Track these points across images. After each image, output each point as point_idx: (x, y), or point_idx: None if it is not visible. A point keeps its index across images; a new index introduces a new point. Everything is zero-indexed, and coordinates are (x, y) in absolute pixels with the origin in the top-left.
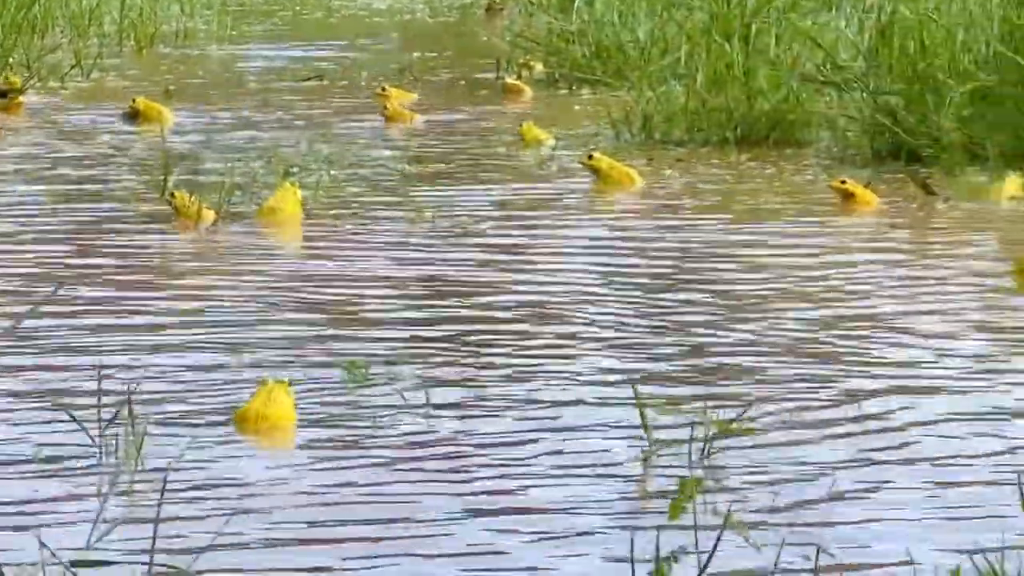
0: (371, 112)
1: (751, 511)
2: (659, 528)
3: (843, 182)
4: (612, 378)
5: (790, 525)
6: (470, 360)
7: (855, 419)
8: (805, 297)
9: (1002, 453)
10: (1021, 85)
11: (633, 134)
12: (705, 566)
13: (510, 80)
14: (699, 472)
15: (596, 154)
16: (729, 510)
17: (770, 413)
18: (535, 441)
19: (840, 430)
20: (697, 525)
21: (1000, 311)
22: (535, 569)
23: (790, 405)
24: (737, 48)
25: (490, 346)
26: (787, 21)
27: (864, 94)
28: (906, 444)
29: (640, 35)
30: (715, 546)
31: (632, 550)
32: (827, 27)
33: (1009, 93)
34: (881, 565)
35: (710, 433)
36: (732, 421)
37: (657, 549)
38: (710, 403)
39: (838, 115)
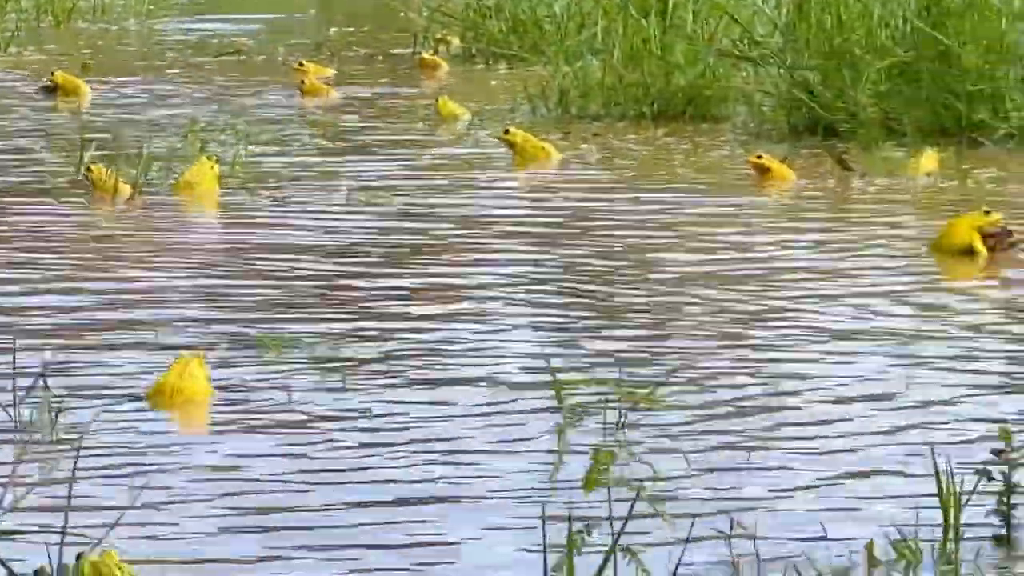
0: (288, 87)
1: (665, 483)
2: (570, 502)
3: (759, 157)
4: (526, 349)
5: (703, 498)
6: (386, 333)
7: (771, 393)
8: (722, 271)
9: (916, 428)
10: (938, 60)
11: (549, 109)
12: (617, 538)
13: (427, 55)
14: (613, 444)
15: (512, 128)
16: (642, 482)
17: (686, 386)
18: (450, 416)
19: (756, 403)
20: (611, 497)
21: (917, 286)
22: (450, 542)
23: (706, 378)
24: (654, 23)
25: (406, 319)
26: None
27: (781, 69)
28: (821, 418)
29: (557, 10)
30: (627, 518)
31: (544, 522)
32: (744, 2)
33: (926, 68)
34: (794, 539)
35: (625, 405)
36: (647, 393)
37: (570, 521)
38: (626, 375)
39: (755, 90)
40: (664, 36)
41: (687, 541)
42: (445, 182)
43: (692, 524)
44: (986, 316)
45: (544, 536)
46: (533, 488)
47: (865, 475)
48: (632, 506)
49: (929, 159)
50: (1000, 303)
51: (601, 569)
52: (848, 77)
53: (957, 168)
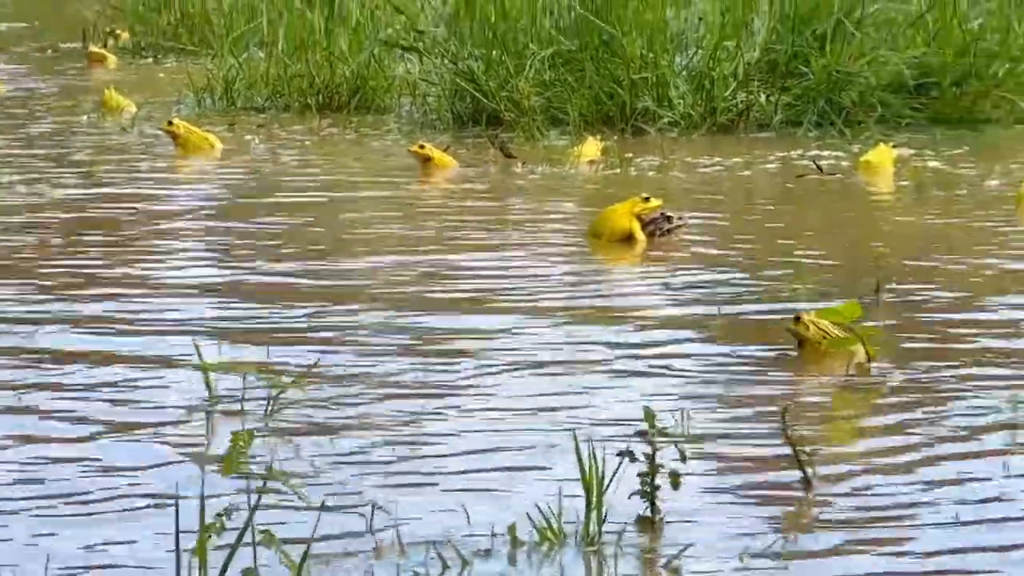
0: None
1: (309, 466)
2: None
3: (421, 146)
4: (177, 339)
5: (347, 481)
6: (47, 313)
7: (424, 380)
8: (385, 258)
9: (566, 411)
10: (601, 49)
11: (215, 101)
12: (249, 519)
13: (95, 48)
14: (257, 427)
15: (175, 120)
16: (272, 463)
17: (336, 371)
18: (94, 389)
19: (407, 390)
20: (250, 479)
21: (575, 272)
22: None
23: (355, 363)
24: (318, 13)
25: (75, 299)
26: None
27: (444, 59)
28: (472, 401)
29: (225, 5)
30: (258, 500)
31: (177, 505)
32: None
33: (590, 57)
34: (438, 522)
35: (272, 391)
36: (295, 380)
37: (202, 504)
38: (276, 360)
39: (419, 80)
40: (329, 26)
41: (320, 510)
42: (108, 172)
43: (322, 505)
44: (642, 301)
45: (176, 520)
46: (176, 472)
47: (512, 459)
48: (264, 486)
49: (591, 147)
50: (657, 289)
51: (233, 550)
52: (512, 66)
53: (620, 156)
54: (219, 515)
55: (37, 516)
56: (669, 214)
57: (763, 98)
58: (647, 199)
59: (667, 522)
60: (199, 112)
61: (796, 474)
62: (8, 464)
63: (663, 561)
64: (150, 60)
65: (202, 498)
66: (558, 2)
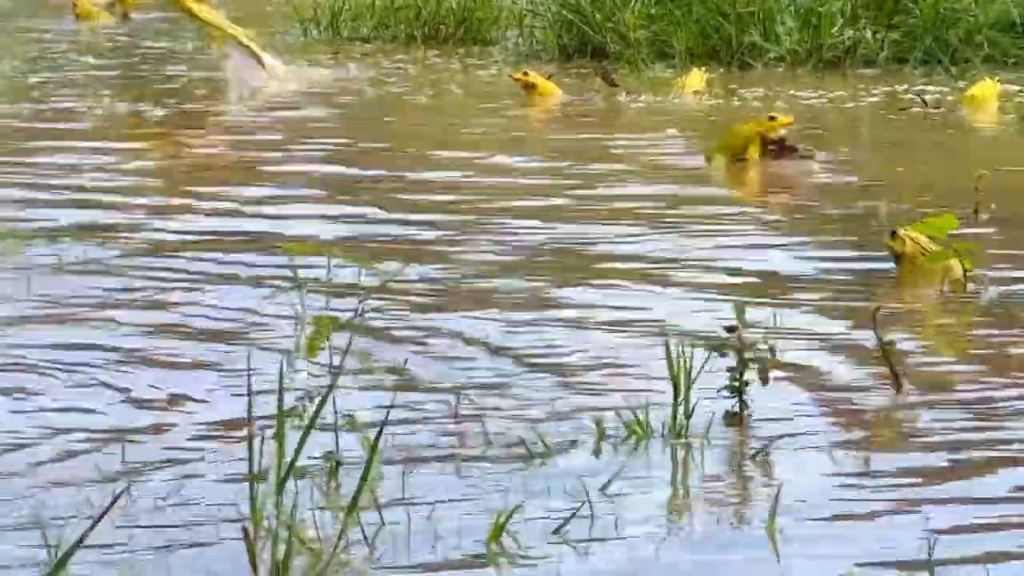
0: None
1: (397, 360)
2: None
3: (525, 73)
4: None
5: (435, 374)
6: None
7: (518, 292)
8: (480, 183)
9: (653, 309)
10: None
11: (321, 31)
12: (323, 399)
13: None
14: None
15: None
16: (355, 347)
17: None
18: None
19: (503, 296)
20: (332, 363)
21: (684, 200)
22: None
23: (457, 272)
24: None
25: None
26: None
27: None
28: (566, 309)
29: None
30: (334, 380)
31: (249, 390)
32: None
33: None
34: (524, 416)
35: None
36: (392, 275)
37: (280, 390)
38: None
39: (525, 12)
40: None
41: (397, 390)
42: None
43: (402, 370)
44: (742, 215)
45: (249, 405)
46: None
47: (599, 356)
48: (339, 373)
49: (695, 78)
50: (757, 206)
51: (307, 429)
52: None
53: (724, 88)
54: (299, 399)
55: None
56: (796, 146)
57: (870, 35)
58: (773, 118)
59: (755, 418)
60: (305, 42)
61: (886, 377)
62: None
63: (749, 455)
64: None
65: (280, 379)
66: None
